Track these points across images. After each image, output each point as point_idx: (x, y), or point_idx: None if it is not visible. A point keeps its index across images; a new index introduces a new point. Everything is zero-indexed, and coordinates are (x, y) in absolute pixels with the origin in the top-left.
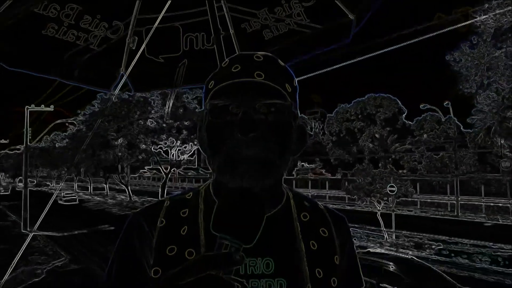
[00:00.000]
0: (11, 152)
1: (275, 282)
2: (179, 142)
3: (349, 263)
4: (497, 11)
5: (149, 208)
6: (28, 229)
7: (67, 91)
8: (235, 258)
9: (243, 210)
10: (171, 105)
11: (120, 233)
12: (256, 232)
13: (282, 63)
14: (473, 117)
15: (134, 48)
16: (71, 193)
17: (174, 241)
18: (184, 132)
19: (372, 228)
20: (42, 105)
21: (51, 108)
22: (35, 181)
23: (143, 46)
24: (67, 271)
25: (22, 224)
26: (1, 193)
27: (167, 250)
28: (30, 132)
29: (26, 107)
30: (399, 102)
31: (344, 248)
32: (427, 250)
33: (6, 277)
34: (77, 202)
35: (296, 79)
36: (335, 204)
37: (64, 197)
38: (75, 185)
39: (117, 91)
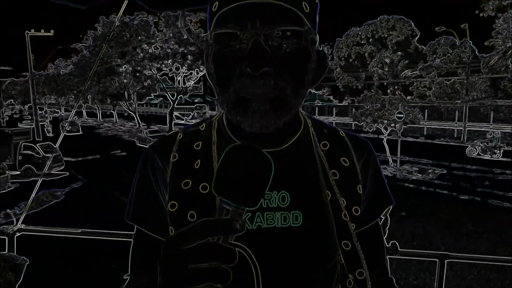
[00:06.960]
0: (17, 79)
1: (290, 215)
2: (184, 68)
3: (375, 186)
4: None
5: (162, 141)
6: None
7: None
8: (235, 227)
9: (247, 171)
10: (184, 26)
11: (136, 170)
12: (261, 195)
13: None
14: (492, 40)
15: None
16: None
17: (188, 175)
18: (189, 57)
19: (378, 154)
20: (42, 30)
21: (51, 32)
22: (44, 108)
23: None
24: (85, 193)
25: None
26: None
27: (182, 184)
28: (33, 58)
29: (26, 32)
30: (413, 24)
31: (367, 174)
32: (430, 175)
33: (31, 198)
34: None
35: None
36: None
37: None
38: (84, 112)
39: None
